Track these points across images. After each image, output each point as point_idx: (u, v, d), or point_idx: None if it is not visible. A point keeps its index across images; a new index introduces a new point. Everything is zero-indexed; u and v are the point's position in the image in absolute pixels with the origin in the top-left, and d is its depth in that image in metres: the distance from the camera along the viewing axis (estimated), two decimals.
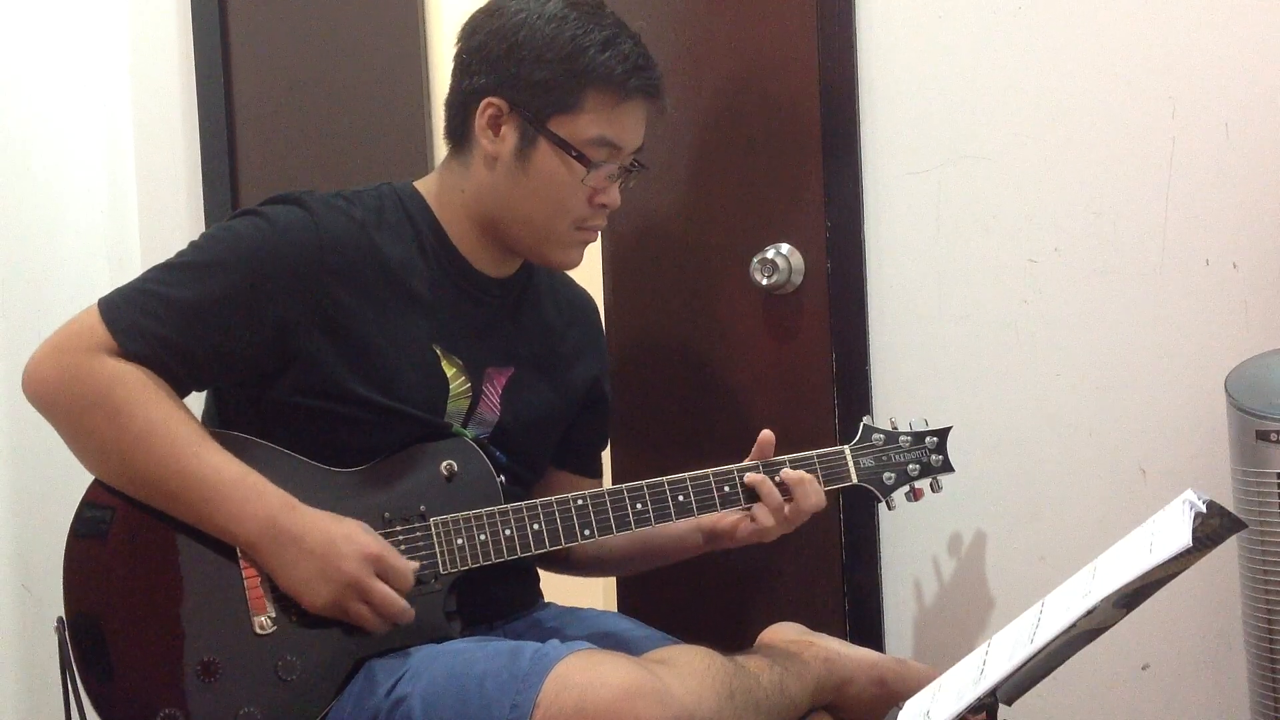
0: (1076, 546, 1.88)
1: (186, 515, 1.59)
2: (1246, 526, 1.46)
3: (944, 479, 1.87)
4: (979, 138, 2.02)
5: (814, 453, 1.79)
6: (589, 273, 2.42)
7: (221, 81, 2.59)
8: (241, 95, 2.60)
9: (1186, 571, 1.28)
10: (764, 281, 2.14)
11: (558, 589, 1.98)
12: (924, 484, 1.86)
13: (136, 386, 1.58)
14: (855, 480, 1.81)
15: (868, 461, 1.82)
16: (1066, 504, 1.98)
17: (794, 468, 1.77)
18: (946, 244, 2.05)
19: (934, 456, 1.85)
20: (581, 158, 1.69)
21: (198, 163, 2.61)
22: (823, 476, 1.78)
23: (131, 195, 2.62)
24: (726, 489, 1.75)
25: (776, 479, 1.75)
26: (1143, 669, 1.95)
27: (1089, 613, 1.25)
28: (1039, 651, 1.27)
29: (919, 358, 2.02)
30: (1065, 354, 1.98)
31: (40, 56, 2.57)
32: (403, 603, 1.59)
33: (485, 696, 1.50)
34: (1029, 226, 1.99)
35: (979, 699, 1.29)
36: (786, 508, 1.74)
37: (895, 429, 1.85)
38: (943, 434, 1.86)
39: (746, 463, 1.77)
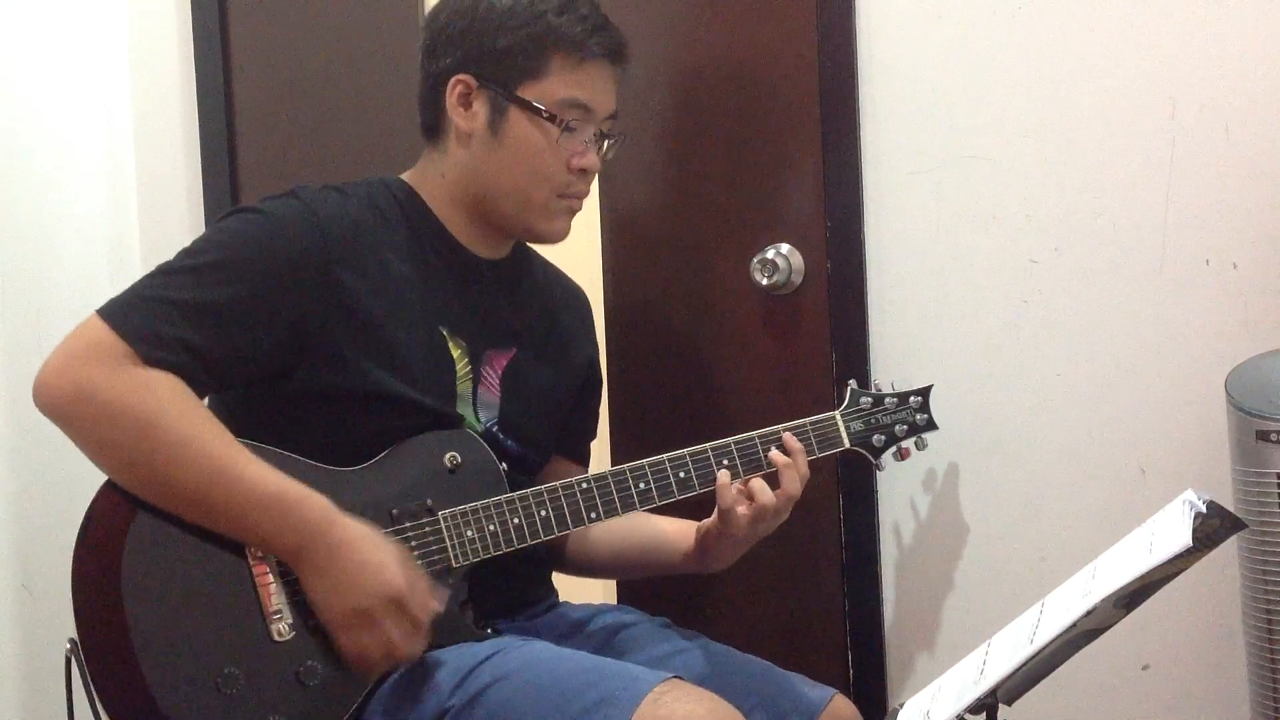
0: (1076, 546, 1.88)
1: (221, 525, 1.56)
2: (1246, 526, 1.46)
3: (948, 475, 1.88)
4: (979, 138, 2.02)
5: (806, 420, 1.81)
6: (589, 272, 2.42)
7: (221, 81, 2.59)
8: (241, 95, 2.60)
9: (1186, 571, 1.28)
10: (764, 281, 2.14)
11: (559, 586, 1.98)
12: (910, 443, 1.90)
13: (166, 397, 1.55)
14: (848, 444, 1.84)
15: (858, 425, 1.85)
16: (1066, 504, 1.98)
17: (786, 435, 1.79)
18: (946, 244, 2.05)
19: (919, 415, 1.90)
20: (553, 118, 1.71)
21: (198, 163, 2.61)
22: (816, 443, 1.81)
23: (131, 195, 2.62)
24: (725, 462, 1.76)
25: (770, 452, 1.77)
26: (1143, 669, 1.95)
27: (1089, 613, 1.25)
28: (1039, 651, 1.27)
29: (919, 358, 2.02)
30: (1065, 354, 1.98)
31: (40, 56, 2.57)
32: (406, 650, 1.57)
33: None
34: (1029, 226, 1.99)
35: (979, 699, 1.29)
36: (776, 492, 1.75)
37: (880, 391, 1.88)
38: (925, 392, 1.90)
39: (741, 435, 1.78)
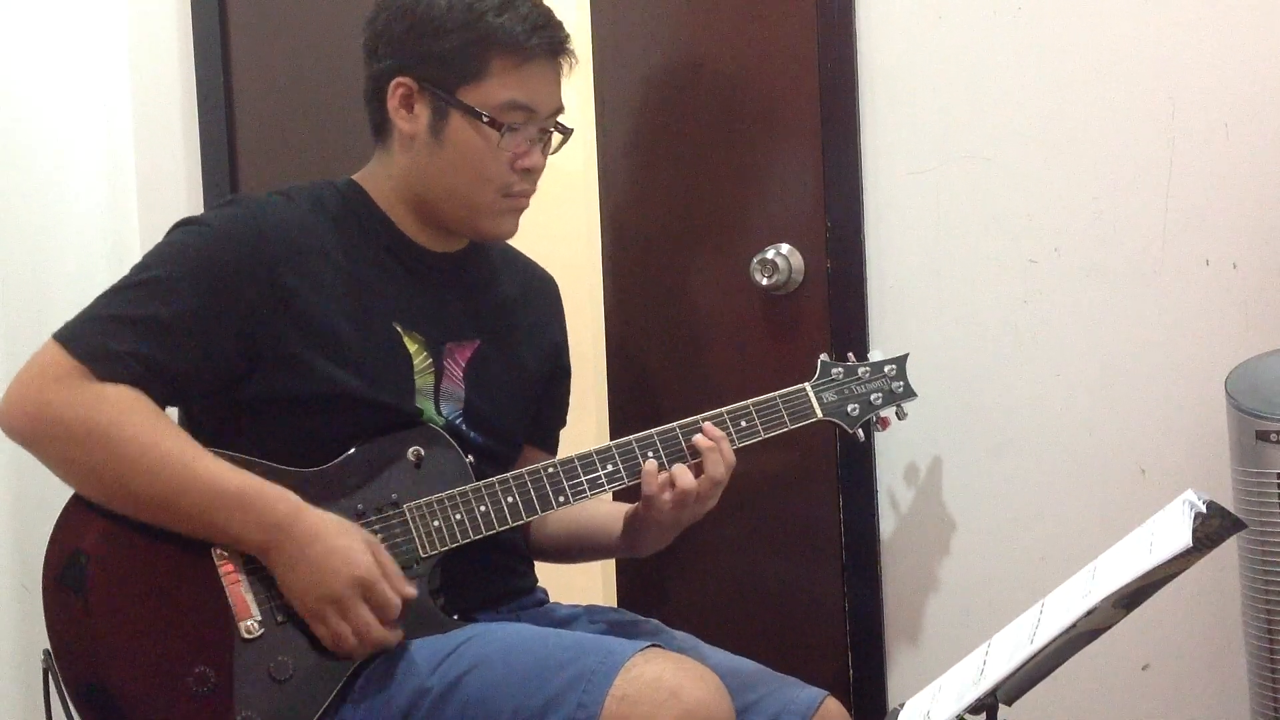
0: (1076, 546, 1.87)
1: (189, 528, 1.58)
2: (1246, 527, 1.46)
3: (948, 475, 1.87)
4: (979, 138, 2.02)
5: (776, 394, 1.81)
6: (589, 272, 2.42)
7: (221, 81, 2.59)
8: (241, 95, 2.60)
9: (1186, 571, 1.28)
10: (764, 281, 2.14)
11: (558, 587, 1.98)
12: (889, 412, 1.89)
13: (123, 407, 1.57)
14: (820, 415, 1.84)
15: (829, 396, 1.85)
16: (1066, 504, 1.98)
17: (756, 409, 1.79)
18: (946, 244, 2.05)
19: (895, 384, 1.90)
20: (494, 123, 1.70)
21: (198, 163, 2.61)
22: (788, 416, 1.81)
23: (131, 195, 2.61)
24: (695, 438, 1.75)
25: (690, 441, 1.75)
26: (1143, 669, 1.95)
27: (1089, 613, 1.25)
28: (1039, 652, 1.27)
29: (919, 358, 2.02)
30: (1065, 354, 1.98)
31: (40, 56, 2.57)
32: (382, 632, 1.58)
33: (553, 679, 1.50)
34: (1029, 226, 1.99)
35: (979, 699, 1.29)
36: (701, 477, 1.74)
37: (853, 362, 1.88)
38: (900, 361, 1.90)
39: (710, 413, 1.77)
